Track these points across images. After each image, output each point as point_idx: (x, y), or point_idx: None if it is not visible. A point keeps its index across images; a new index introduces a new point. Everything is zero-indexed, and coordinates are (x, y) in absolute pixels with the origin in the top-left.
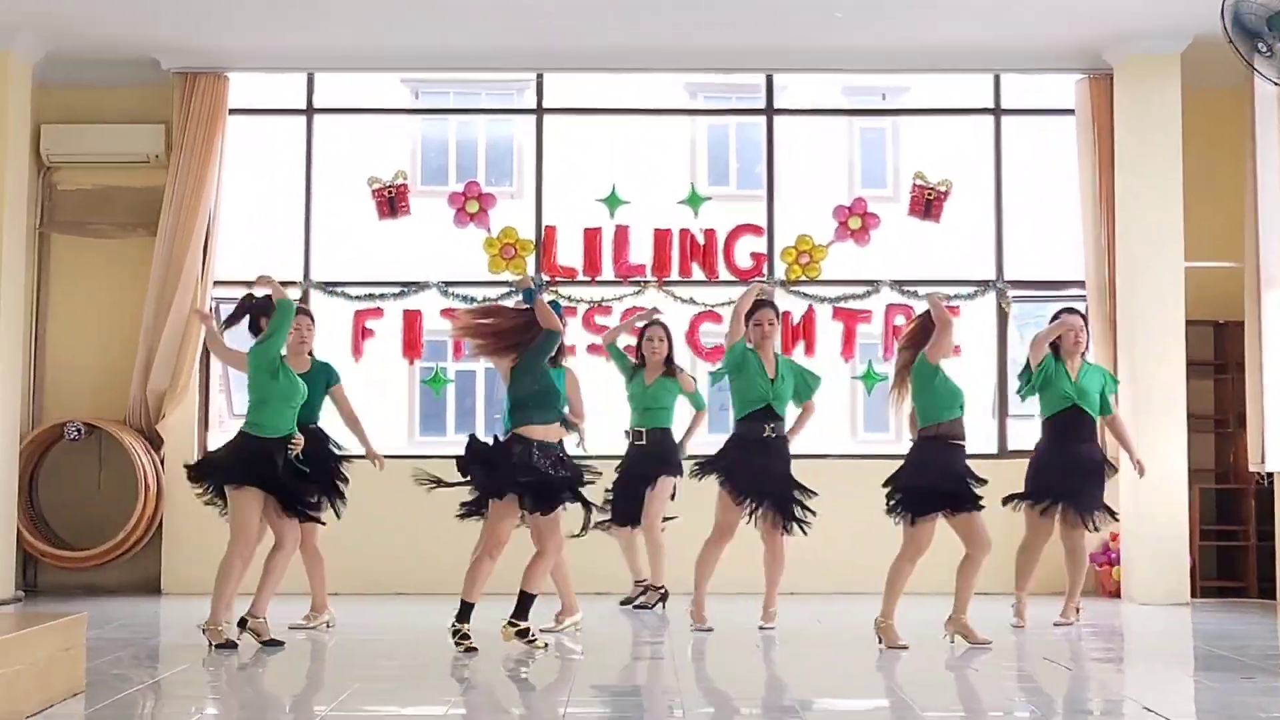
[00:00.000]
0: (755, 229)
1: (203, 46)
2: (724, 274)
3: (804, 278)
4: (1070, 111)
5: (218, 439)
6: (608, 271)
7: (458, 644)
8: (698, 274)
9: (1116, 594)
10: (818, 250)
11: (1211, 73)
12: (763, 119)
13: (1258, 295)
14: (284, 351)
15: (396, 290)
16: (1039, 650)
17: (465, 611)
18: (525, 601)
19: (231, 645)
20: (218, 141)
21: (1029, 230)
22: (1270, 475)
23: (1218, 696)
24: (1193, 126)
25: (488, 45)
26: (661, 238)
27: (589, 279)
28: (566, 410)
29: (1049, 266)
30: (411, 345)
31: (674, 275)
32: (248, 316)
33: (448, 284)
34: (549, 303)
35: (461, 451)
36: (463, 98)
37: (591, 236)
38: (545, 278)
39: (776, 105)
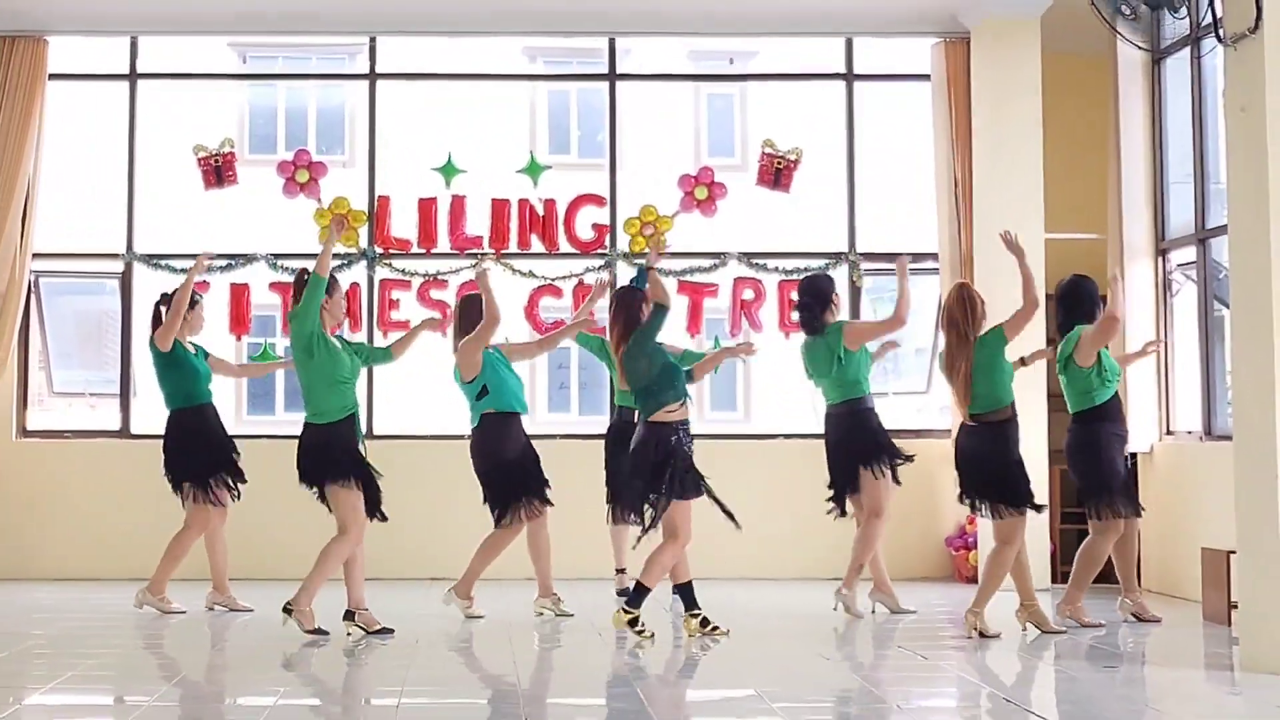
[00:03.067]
0: (597, 199)
1: (20, 8)
2: (565, 246)
3: (648, 250)
4: (925, 77)
5: (38, 418)
6: (443, 244)
7: (639, 632)
8: (537, 246)
9: (973, 579)
10: (663, 221)
11: (1073, 37)
12: (605, 84)
13: (1122, 268)
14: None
15: (224, 263)
16: (892, 637)
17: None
18: (643, 592)
19: (323, 633)
20: (37, 107)
21: (882, 201)
22: (1133, 456)
23: (1080, 687)
24: (1053, 93)
25: (318, 7)
26: (499, 208)
27: (424, 251)
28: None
29: (903, 239)
30: (239, 320)
31: (513, 247)
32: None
33: (277, 256)
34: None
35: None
36: (292, 62)
37: (426, 207)
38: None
39: (619, 70)
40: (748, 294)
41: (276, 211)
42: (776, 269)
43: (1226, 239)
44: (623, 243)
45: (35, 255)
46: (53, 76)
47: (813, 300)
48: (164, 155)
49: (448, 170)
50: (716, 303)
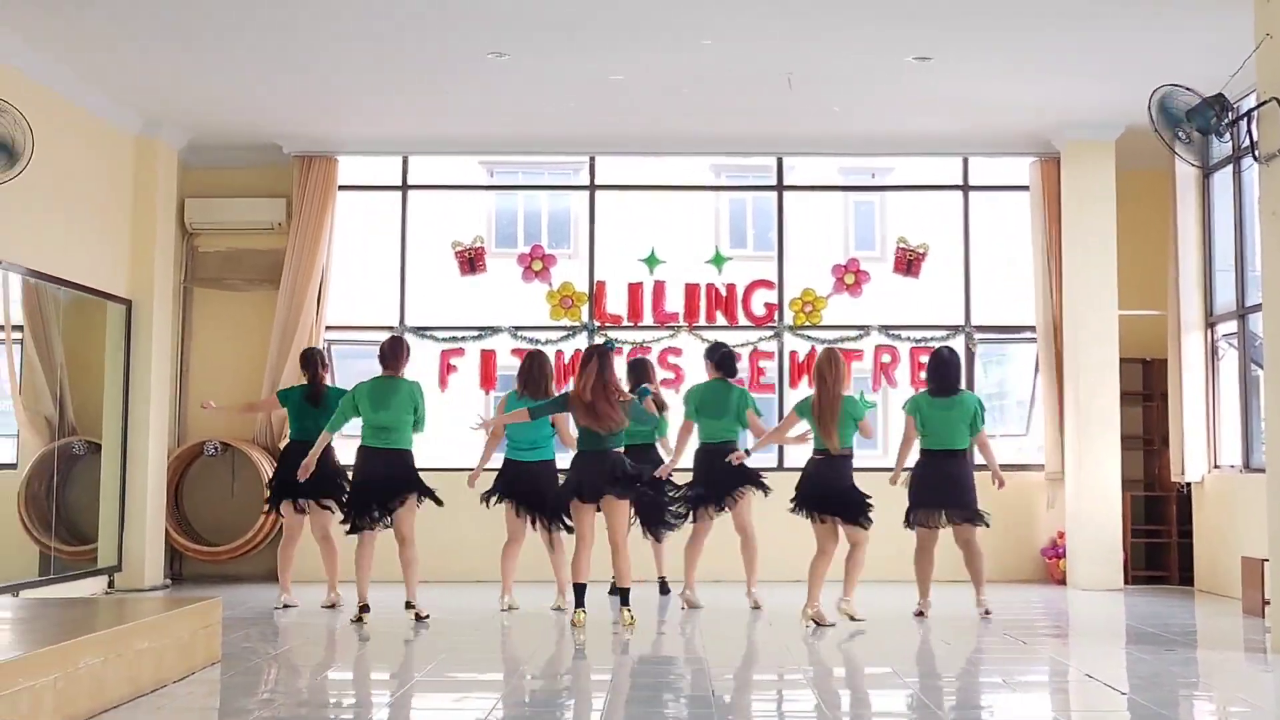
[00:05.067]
0: (768, 283)
1: (317, 134)
2: (742, 320)
3: (808, 323)
4: (1025, 188)
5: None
6: (648, 318)
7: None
8: (721, 320)
9: (1063, 582)
10: (819, 301)
11: (1141, 156)
12: (774, 193)
13: (1178, 338)
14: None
15: (475, 333)
16: (999, 627)
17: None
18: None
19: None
20: (329, 212)
21: (991, 284)
22: (1189, 484)
23: (1146, 665)
24: (1125, 199)
25: (550, 134)
26: (691, 290)
27: (632, 324)
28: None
29: (1008, 313)
30: (487, 378)
31: (701, 321)
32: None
33: (517, 328)
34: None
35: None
36: (529, 176)
37: (634, 289)
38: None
39: (785, 182)
40: (885, 358)
41: (516, 293)
42: (909, 338)
43: (1261, 314)
44: (788, 317)
45: (328, 327)
46: (341, 188)
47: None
48: (428, 249)
49: (651, 261)
50: (861, 365)
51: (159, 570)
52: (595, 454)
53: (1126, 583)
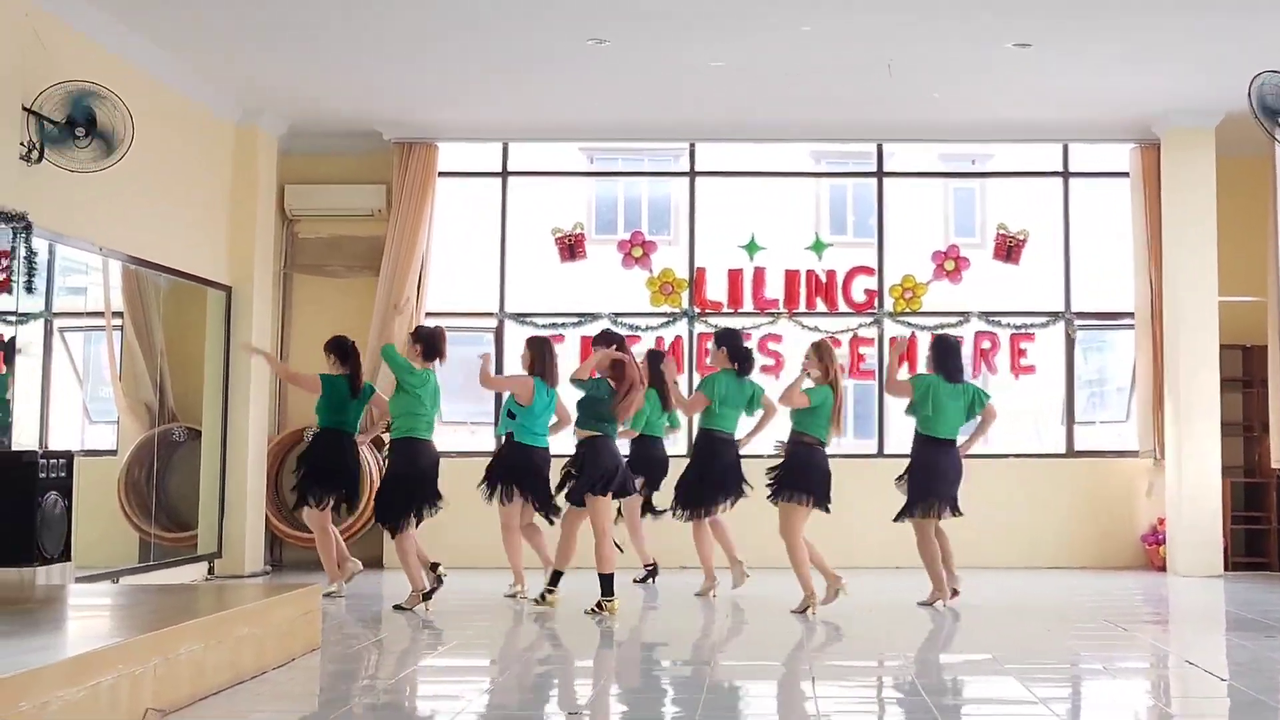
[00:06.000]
0: (868, 270)
1: (417, 120)
2: (842, 306)
3: (908, 310)
4: (1125, 174)
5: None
6: (747, 304)
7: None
8: (821, 306)
9: (1163, 568)
10: (919, 287)
11: (1241, 143)
12: (874, 180)
13: (1279, 323)
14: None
15: (575, 320)
16: (1099, 614)
17: None
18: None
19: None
20: (429, 198)
21: (1091, 270)
22: None
23: (1246, 652)
24: (1225, 186)
25: (650, 120)
26: (791, 277)
27: (732, 310)
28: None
29: (1108, 300)
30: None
31: (801, 307)
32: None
33: (616, 315)
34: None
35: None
36: (629, 162)
37: (734, 276)
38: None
39: (886, 168)
40: (985, 344)
41: (616, 279)
42: (1009, 324)
43: None
44: (889, 304)
45: (428, 314)
46: (442, 174)
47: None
48: (528, 236)
49: (751, 247)
50: (962, 350)
51: (259, 557)
52: (609, 441)
53: (1226, 569)
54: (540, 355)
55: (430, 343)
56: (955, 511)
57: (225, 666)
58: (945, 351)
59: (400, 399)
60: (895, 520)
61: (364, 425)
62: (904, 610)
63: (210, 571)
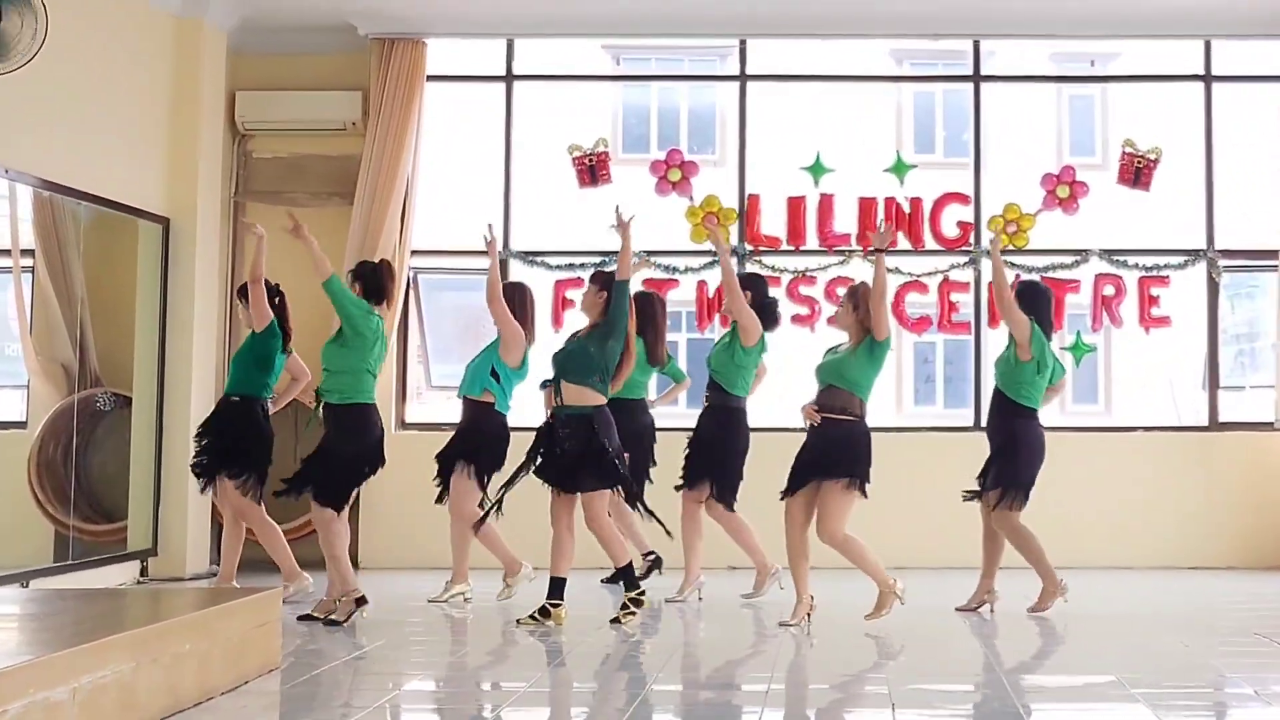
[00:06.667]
0: (962, 198)
1: (400, 11)
2: (930, 243)
3: (1011, 246)
4: None
5: (417, 411)
6: (811, 241)
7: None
8: (904, 243)
9: None
10: (1025, 219)
11: None
12: (970, 85)
13: None
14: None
15: (598, 260)
16: (1249, 625)
17: None
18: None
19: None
20: (415, 108)
21: (1241, 198)
22: None
23: None
24: None
25: (690, 10)
26: (866, 206)
27: (793, 249)
28: None
29: (1261, 235)
30: None
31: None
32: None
33: (650, 253)
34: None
35: None
36: (665, 64)
37: (795, 205)
38: None
39: (983, 72)
40: (1108, 290)
41: (649, 209)
42: (1137, 265)
43: None
44: (987, 240)
45: (414, 252)
46: (431, 78)
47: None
48: (539, 155)
49: (816, 169)
50: (1078, 298)
51: (204, 555)
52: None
53: None
54: (523, 306)
55: (372, 281)
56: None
57: (161, 691)
58: (1039, 300)
59: (344, 353)
60: (994, 509)
61: (277, 391)
62: (1009, 619)
63: (143, 573)
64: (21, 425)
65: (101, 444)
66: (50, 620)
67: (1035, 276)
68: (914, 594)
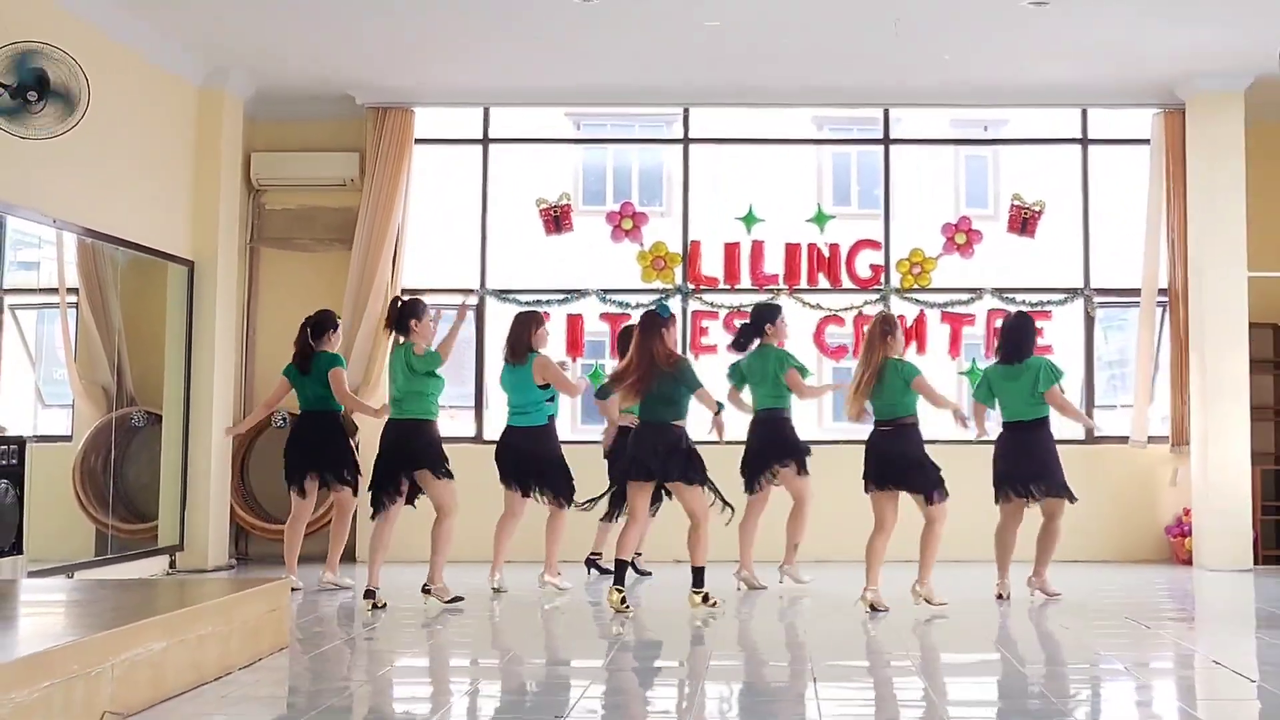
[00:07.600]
0: (874, 243)
1: (392, 84)
2: (846, 283)
3: (916, 286)
4: (1147, 141)
5: None
6: (745, 281)
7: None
8: (823, 283)
9: (1189, 562)
10: (928, 262)
11: (1271, 107)
12: (880, 147)
13: None
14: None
15: (561, 296)
16: (1120, 610)
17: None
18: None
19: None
20: (405, 167)
21: (1112, 244)
22: None
23: (1278, 651)
24: (1254, 154)
25: (641, 83)
26: (792, 251)
27: (729, 287)
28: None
29: (1129, 276)
30: (574, 344)
31: (803, 284)
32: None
33: (605, 291)
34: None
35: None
36: (619, 129)
37: (731, 250)
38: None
39: (892, 135)
40: (999, 322)
41: (605, 253)
42: (1024, 302)
43: None
44: (895, 279)
45: (403, 290)
46: (418, 141)
47: (753, 324)
48: (511, 207)
49: (748, 219)
50: (973, 330)
51: (223, 550)
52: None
53: (1256, 563)
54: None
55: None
56: (1045, 495)
57: (187, 667)
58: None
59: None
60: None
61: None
62: (954, 609)
63: (171, 565)
64: (67, 439)
65: (136, 455)
66: (92, 606)
67: (937, 312)
68: (829, 586)
